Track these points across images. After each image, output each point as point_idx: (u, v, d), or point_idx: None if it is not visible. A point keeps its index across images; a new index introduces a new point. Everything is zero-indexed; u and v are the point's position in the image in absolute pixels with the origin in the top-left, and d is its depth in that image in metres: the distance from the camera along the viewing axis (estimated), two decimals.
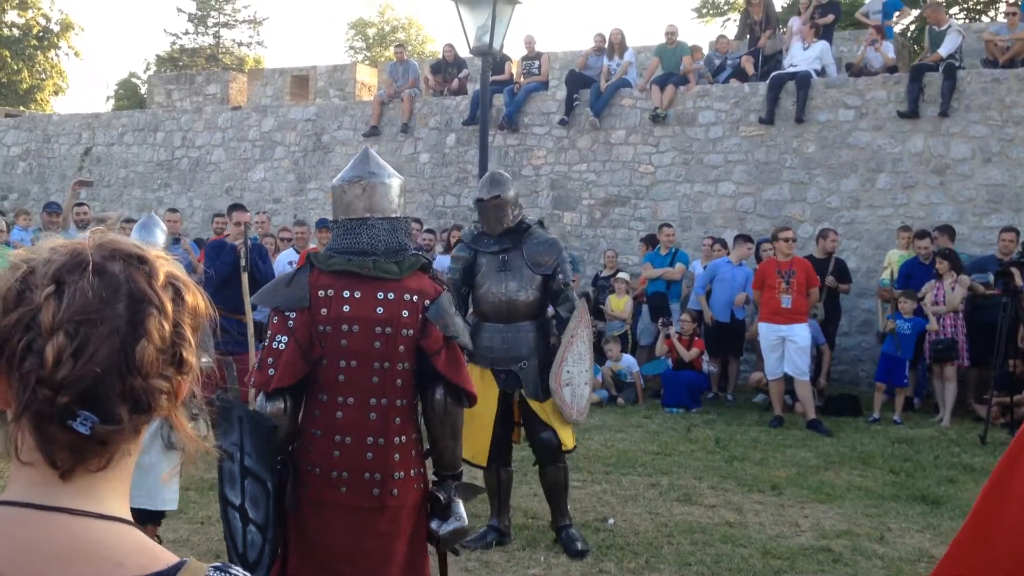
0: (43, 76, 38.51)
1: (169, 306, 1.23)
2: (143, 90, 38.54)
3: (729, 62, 15.27)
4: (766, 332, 10.59)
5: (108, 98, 44.40)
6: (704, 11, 29.86)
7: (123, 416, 1.19)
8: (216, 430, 3.75)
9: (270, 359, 3.54)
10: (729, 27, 28.31)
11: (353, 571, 3.52)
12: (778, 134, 13.98)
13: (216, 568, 1.24)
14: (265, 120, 17.91)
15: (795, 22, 14.65)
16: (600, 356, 12.41)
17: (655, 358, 12.34)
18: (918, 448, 9.32)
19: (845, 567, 5.86)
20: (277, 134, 17.68)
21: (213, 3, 43.16)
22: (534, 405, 5.96)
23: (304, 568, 3.55)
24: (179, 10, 43.27)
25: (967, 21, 24.49)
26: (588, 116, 15.10)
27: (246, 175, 17.80)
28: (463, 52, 15.43)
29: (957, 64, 13.06)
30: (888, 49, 14.07)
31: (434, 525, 3.66)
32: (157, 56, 43.62)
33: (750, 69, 14.82)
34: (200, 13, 43.19)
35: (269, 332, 3.61)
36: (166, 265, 1.27)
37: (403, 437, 3.59)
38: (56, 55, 38.85)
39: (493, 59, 12.33)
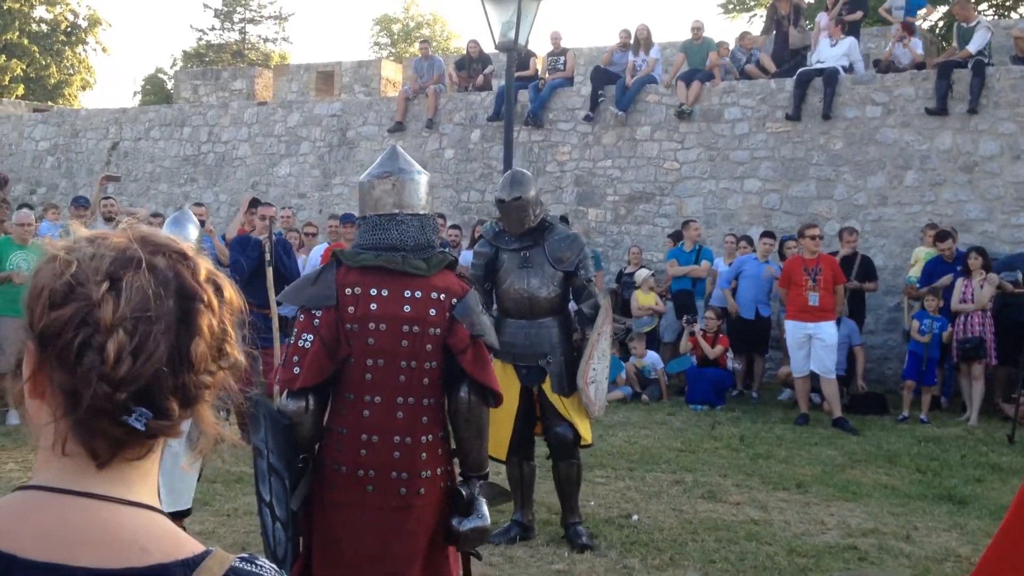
0: (71, 71, 38.82)
1: (215, 301, 1.25)
2: (169, 85, 38.83)
3: (755, 58, 15.19)
4: (793, 329, 10.54)
5: (135, 93, 44.81)
6: (730, 7, 29.75)
7: (174, 410, 1.20)
8: (248, 425, 3.76)
9: (295, 357, 3.52)
10: (755, 23, 28.22)
11: (378, 571, 3.50)
12: (805, 130, 13.90)
13: (242, 559, 1.25)
14: (290, 116, 17.97)
15: (823, 18, 14.55)
16: (625, 352, 12.42)
17: (679, 355, 12.30)
18: (945, 447, 9.25)
19: (871, 566, 5.82)
20: (302, 129, 17.73)
21: None
22: (554, 399, 5.96)
23: (328, 568, 3.52)
24: (205, 6, 43.48)
25: (996, 17, 24.28)
26: (613, 112, 15.05)
27: (271, 170, 17.87)
28: (488, 48, 15.45)
29: (986, 61, 12.94)
30: (916, 45, 13.96)
31: (454, 522, 3.61)
32: (183, 52, 43.98)
33: (769, 64, 14.70)
34: (226, 9, 43.42)
35: (296, 330, 3.59)
36: (204, 260, 1.29)
37: (430, 436, 3.57)
38: (84, 50, 39.17)
39: (518, 55, 12.33)
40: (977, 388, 10.58)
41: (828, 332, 10.31)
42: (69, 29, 38.10)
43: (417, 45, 25.92)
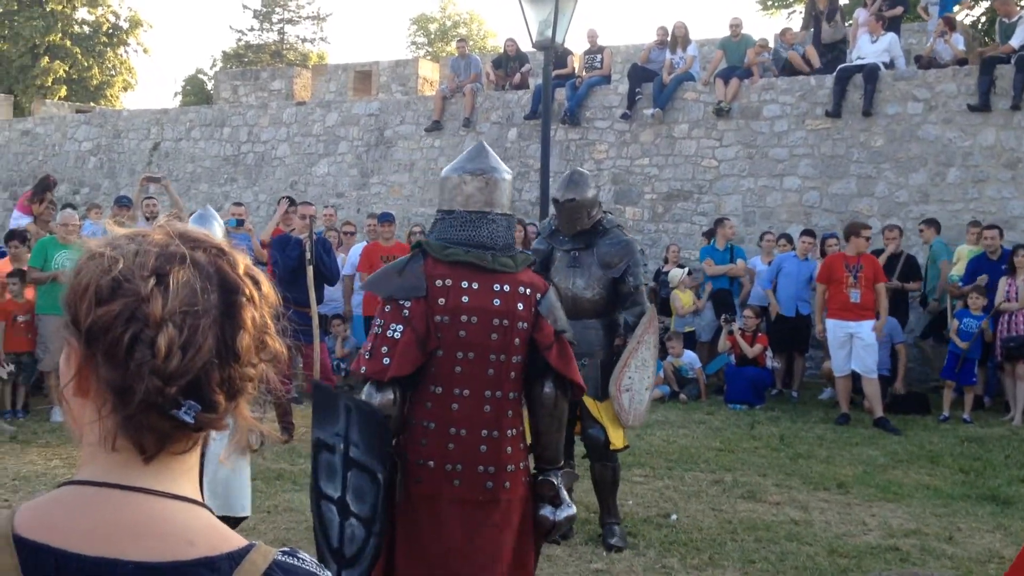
0: (113, 72, 39.22)
1: (256, 294, 1.27)
2: (209, 86, 39.21)
3: (799, 52, 15.02)
4: (833, 328, 10.41)
5: (176, 94, 45.31)
6: (769, 3, 29.55)
7: (221, 403, 1.22)
8: (313, 418, 3.76)
9: (384, 348, 3.48)
10: (794, 19, 28.00)
11: (464, 566, 3.47)
12: (845, 127, 13.77)
13: (284, 552, 1.26)
14: (329, 115, 18.07)
15: (861, 14, 14.41)
16: (662, 351, 12.36)
17: (716, 354, 12.23)
18: (988, 447, 9.14)
19: (913, 567, 5.75)
20: (340, 129, 17.82)
21: (278, 0, 43.69)
22: (588, 402, 5.93)
23: (413, 564, 3.50)
24: (244, 7, 43.91)
25: None
26: (650, 110, 14.99)
27: (310, 170, 17.98)
28: (525, 46, 15.43)
29: None
30: (958, 41, 13.79)
31: (547, 512, 3.65)
32: (223, 52, 44.40)
33: (815, 58, 14.51)
34: (265, 10, 43.78)
35: (379, 321, 3.55)
36: (241, 255, 1.30)
37: (514, 430, 3.60)
38: (125, 52, 39.54)
39: (555, 53, 12.31)
40: (1021, 388, 10.42)
41: (869, 331, 10.19)
42: (111, 31, 38.49)
43: (454, 44, 25.99)
